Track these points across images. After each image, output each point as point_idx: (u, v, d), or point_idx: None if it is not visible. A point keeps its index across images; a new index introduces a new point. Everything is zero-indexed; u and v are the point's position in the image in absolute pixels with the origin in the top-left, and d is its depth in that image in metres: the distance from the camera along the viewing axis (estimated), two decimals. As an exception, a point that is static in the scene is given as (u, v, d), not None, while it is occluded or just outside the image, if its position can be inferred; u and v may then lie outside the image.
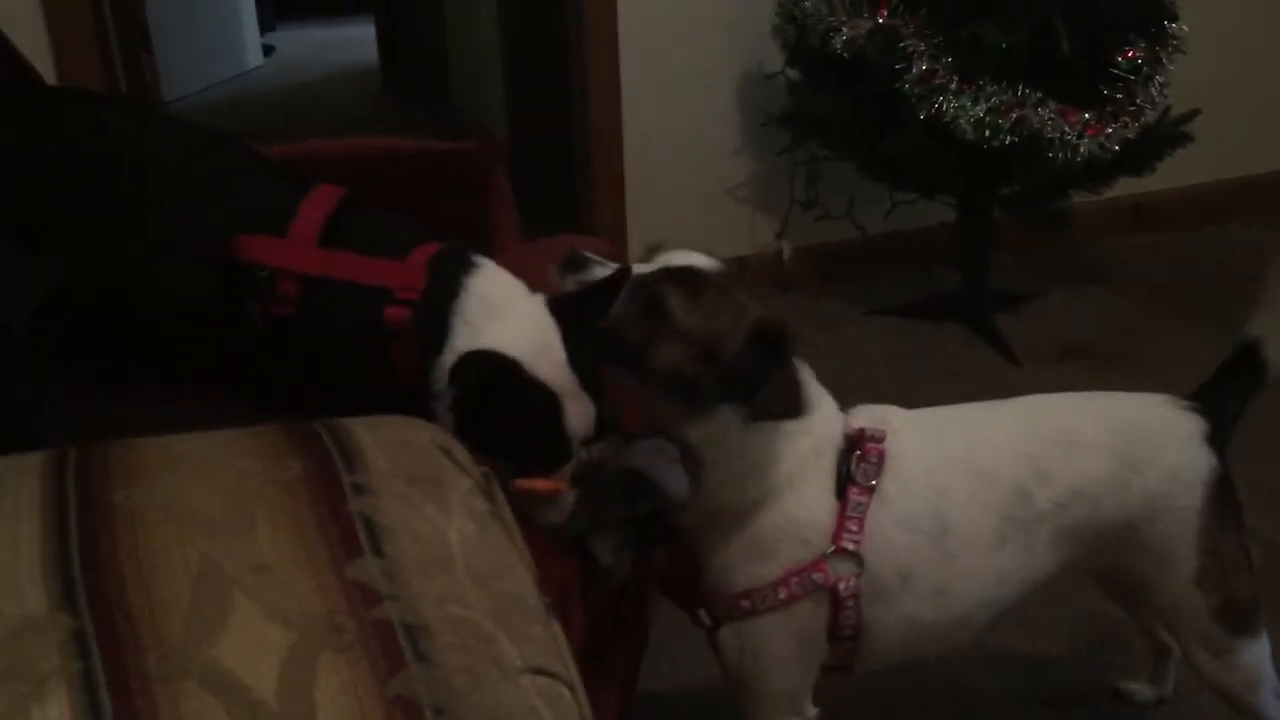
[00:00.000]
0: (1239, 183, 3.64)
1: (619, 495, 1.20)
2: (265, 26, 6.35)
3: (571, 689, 0.78)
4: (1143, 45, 2.55)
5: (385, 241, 1.23)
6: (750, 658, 1.29)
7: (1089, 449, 1.32)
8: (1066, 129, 2.47)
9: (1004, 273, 3.12)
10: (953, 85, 2.47)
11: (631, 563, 1.25)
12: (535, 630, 0.79)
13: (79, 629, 0.69)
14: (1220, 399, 1.37)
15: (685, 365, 1.16)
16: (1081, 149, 2.49)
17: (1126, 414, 1.38)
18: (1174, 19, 2.58)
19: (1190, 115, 2.77)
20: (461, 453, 0.91)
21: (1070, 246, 3.42)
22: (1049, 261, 3.34)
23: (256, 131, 1.44)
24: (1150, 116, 2.61)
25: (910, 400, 1.37)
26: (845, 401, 1.33)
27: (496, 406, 1.15)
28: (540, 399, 1.16)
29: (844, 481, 1.25)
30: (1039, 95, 2.47)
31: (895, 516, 1.25)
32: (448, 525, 0.80)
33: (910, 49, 2.49)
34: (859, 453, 1.25)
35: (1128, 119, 2.53)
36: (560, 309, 1.21)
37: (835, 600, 1.25)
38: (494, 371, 1.15)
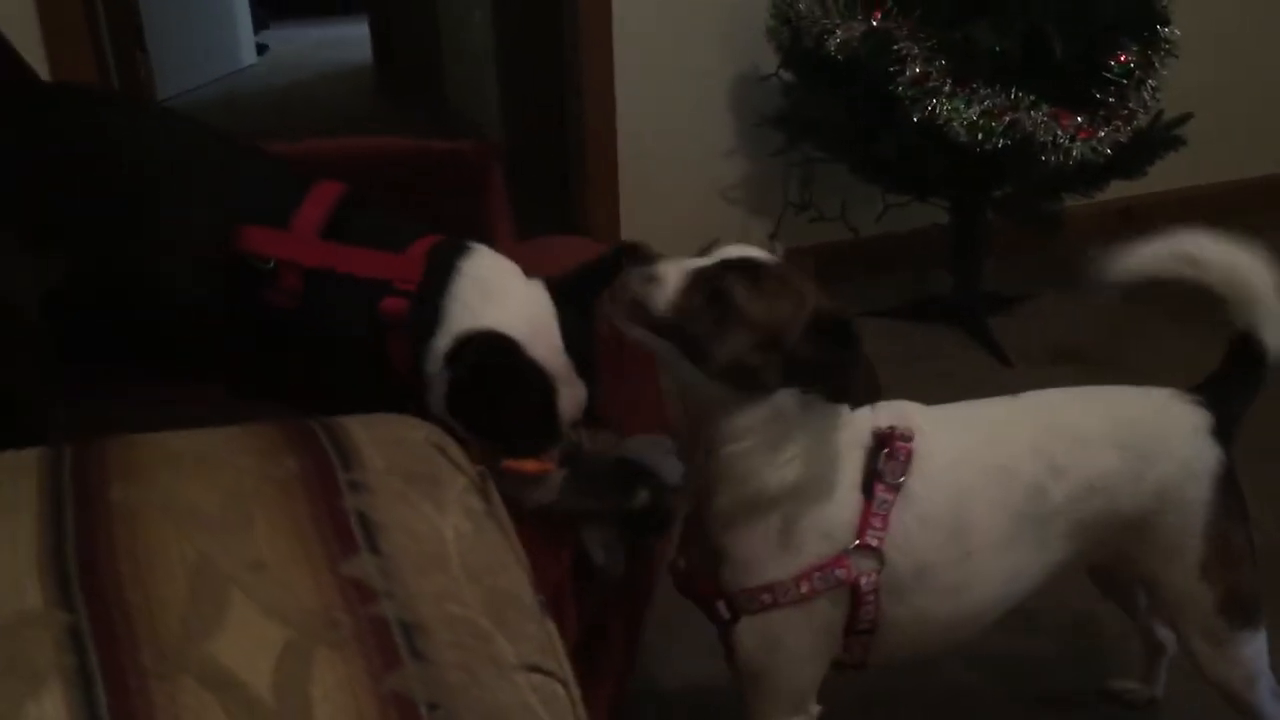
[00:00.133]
0: (1230, 186, 3.66)
1: (614, 483, 1.20)
2: (259, 25, 6.34)
3: (566, 686, 0.79)
4: (1135, 49, 2.56)
5: (386, 236, 1.23)
6: (766, 652, 1.29)
7: (1101, 444, 1.34)
8: (1059, 132, 2.48)
9: (996, 275, 3.13)
10: (946, 88, 2.48)
11: (625, 560, 1.26)
12: (530, 628, 0.79)
13: (75, 625, 0.69)
14: (1225, 392, 1.39)
15: (750, 355, 1.17)
16: (1074, 152, 2.50)
17: (1135, 408, 1.40)
18: (1166, 23, 2.59)
19: (1182, 119, 2.78)
20: (457, 451, 0.91)
21: (1062, 249, 3.43)
22: (1041, 264, 3.35)
23: (250, 130, 1.44)
24: (1142, 120, 2.62)
25: (903, 402, 1.38)
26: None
27: (492, 386, 1.15)
28: (536, 381, 1.17)
29: (871, 478, 1.26)
30: (1032, 98, 2.48)
31: (917, 514, 1.26)
32: (444, 523, 0.81)
33: (904, 52, 2.50)
34: (887, 450, 1.26)
35: (1120, 122, 2.54)
36: (557, 292, 1.22)
37: (856, 596, 1.26)
38: (494, 351, 1.15)
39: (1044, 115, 2.47)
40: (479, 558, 0.81)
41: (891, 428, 1.28)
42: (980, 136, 2.47)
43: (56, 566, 0.72)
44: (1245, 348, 1.37)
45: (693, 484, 1.30)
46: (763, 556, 1.26)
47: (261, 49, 6.23)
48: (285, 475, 0.80)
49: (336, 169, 1.35)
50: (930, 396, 1.43)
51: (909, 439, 1.27)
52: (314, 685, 0.69)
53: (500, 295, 1.20)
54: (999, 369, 2.82)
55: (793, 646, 1.29)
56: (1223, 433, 1.36)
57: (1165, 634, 1.69)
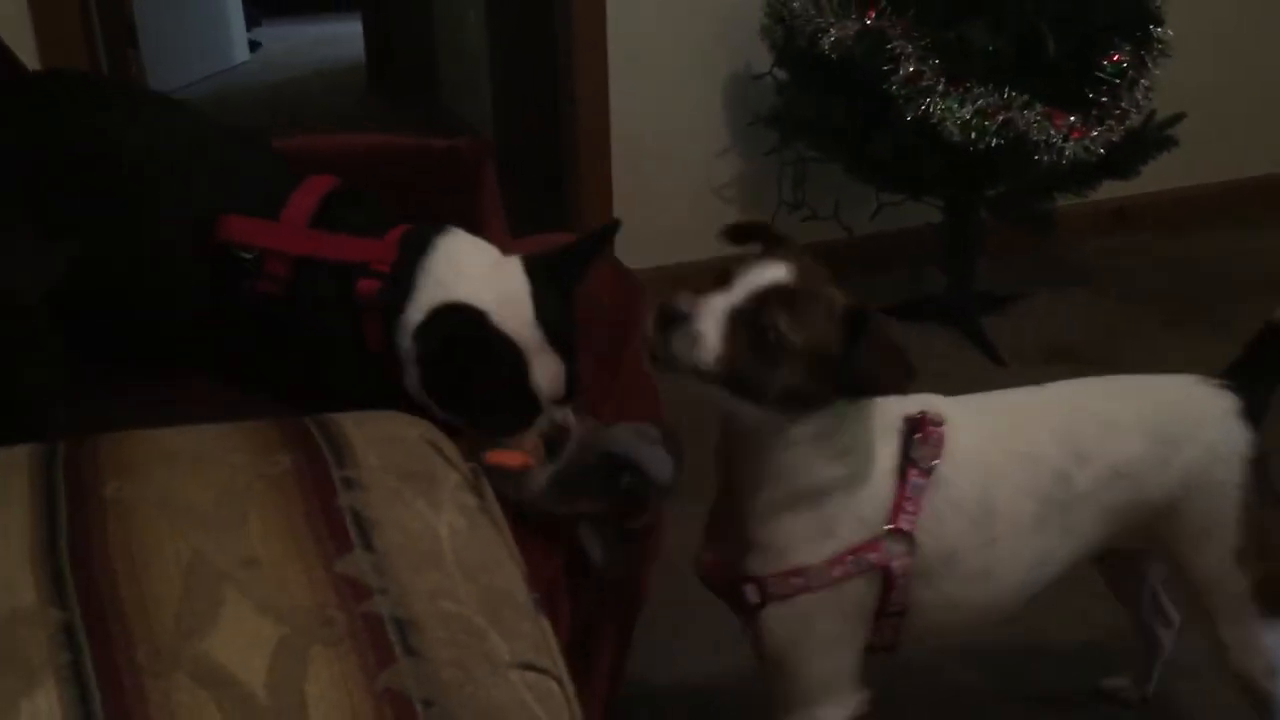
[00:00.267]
0: (1222, 186, 3.66)
1: (599, 479, 1.19)
2: (251, 22, 6.33)
3: (560, 683, 0.79)
4: (1128, 49, 2.56)
5: (370, 225, 1.23)
6: (796, 637, 1.29)
7: (1126, 429, 1.34)
8: (1052, 131, 2.48)
9: (990, 274, 3.14)
10: (940, 87, 2.48)
11: (623, 559, 1.25)
12: (524, 625, 0.79)
13: (68, 622, 0.69)
14: (1252, 376, 1.39)
15: (805, 383, 1.16)
16: (1067, 152, 2.50)
17: (1161, 394, 1.40)
18: (1159, 23, 2.60)
19: (1175, 119, 2.78)
20: (450, 448, 0.91)
21: (1055, 249, 3.44)
22: (1034, 263, 3.36)
23: (242, 127, 1.44)
24: (1135, 120, 2.63)
25: (897, 400, 1.38)
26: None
27: (461, 359, 1.15)
28: (505, 353, 1.16)
29: (905, 462, 1.26)
30: (1025, 98, 2.48)
31: (948, 498, 1.27)
32: (438, 520, 0.81)
33: (898, 50, 2.50)
34: (920, 435, 1.26)
35: (1113, 122, 2.54)
36: (533, 268, 1.21)
37: (888, 579, 1.26)
38: (460, 323, 1.14)
39: (1037, 115, 2.47)
40: (473, 555, 0.81)
41: (922, 412, 1.28)
42: (974, 136, 2.47)
43: (50, 563, 0.71)
44: (1276, 335, 1.39)
45: (725, 481, 1.30)
46: (797, 542, 1.26)
47: (254, 46, 6.22)
48: (279, 473, 0.80)
49: (330, 165, 1.35)
50: (924, 395, 1.43)
51: (940, 423, 1.27)
52: (309, 682, 0.69)
53: (471, 270, 1.19)
54: (992, 368, 2.82)
55: (822, 631, 1.28)
56: (1252, 416, 1.36)
57: (1164, 633, 1.69)
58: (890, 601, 1.28)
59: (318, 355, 1.24)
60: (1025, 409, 1.38)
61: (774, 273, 1.18)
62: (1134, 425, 1.34)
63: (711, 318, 1.15)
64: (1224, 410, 1.36)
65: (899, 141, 2.60)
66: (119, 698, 0.66)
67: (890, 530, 1.25)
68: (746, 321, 1.15)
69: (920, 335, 2.95)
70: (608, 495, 1.20)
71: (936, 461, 1.26)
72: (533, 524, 1.15)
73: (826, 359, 1.15)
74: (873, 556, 1.24)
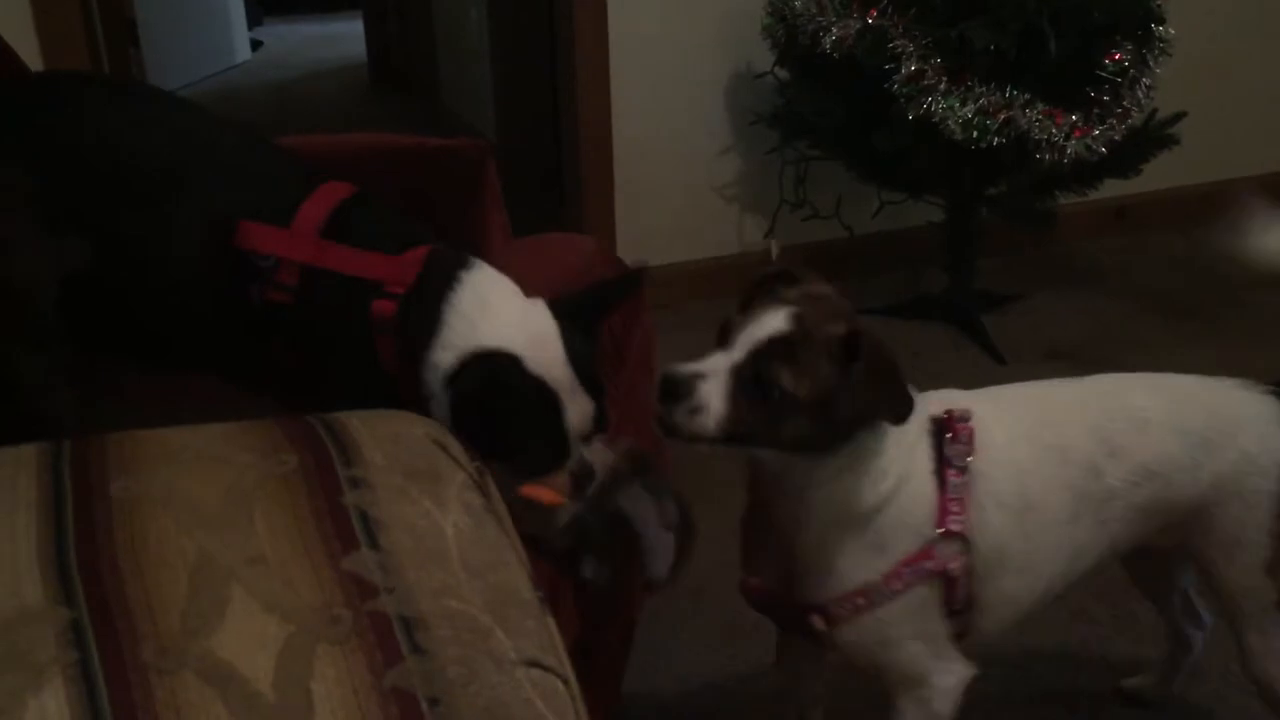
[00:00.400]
0: (1223, 185, 3.66)
1: (607, 536, 1.20)
2: (253, 21, 6.33)
3: (565, 682, 0.79)
4: (1129, 48, 2.56)
5: (385, 239, 1.23)
6: (876, 644, 1.29)
7: (1160, 428, 1.33)
8: (1054, 130, 2.48)
9: (990, 273, 3.14)
10: (941, 86, 2.48)
11: (611, 578, 1.26)
12: (530, 624, 0.79)
13: (76, 620, 0.69)
14: None
15: (814, 428, 1.16)
16: (1068, 150, 2.50)
17: (1199, 395, 1.38)
18: (1161, 22, 2.60)
19: (1176, 118, 2.79)
20: (456, 447, 0.91)
21: (1056, 248, 3.44)
22: (1035, 263, 3.36)
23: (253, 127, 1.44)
24: (1137, 119, 2.63)
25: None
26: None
27: (497, 405, 1.14)
28: (541, 396, 1.16)
29: (940, 464, 1.25)
30: (1027, 97, 2.48)
31: (988, 491, 1.26)
32: (443, 519, 0.81)
33: (899, 49, 2.50)
34: (950, 434, 1.26)
35: (1114, 121, 2.55)
36: (559, 309, 1.21)
37: (948, 581, 1.25)
38: (496, 370, 1.14)
39: (1039, 113, 2.47)
40: (479, 554, 0.81)
41: (949, 411, 1.27)
42: (975, 134, 2.47)
43: (57, 562, 0.72)
44: None
45: (760, 509, 1.30)
46: (852, 563, 1.25)
47: (255, 45, 6.22)
48: (286, 471, 0.81)
49: (332, 164, 1.35)
50: (925, 394, 1.43)
51: (967, 419, 1.27)
52: (315, 680, 0.69)
53: (499, 310, 1.19)
54: (993, 367, 2.82)
55: (899, 633, 1.28)
56: None
57: (1195, 634, 1.68)
58: (954, 599, 1.27)
59: (325, 364, 1.24)
60: (1054, 400, 1.37)
61: (773, 323, 1.16)
62: (1168, 424, 1.33)
63: (713, 381, 1.15)
64: (1265, 417, 1.34)
65: (900, 140, 2.60)
66: (126, 695, 0.66)
67: (941, 534, 1.24)
68: (748, 379, 1.14)
69: (921, 334, 2.96)
70: (608, 547, 1.21)
71: (970, 458, 1.25)
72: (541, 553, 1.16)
73: (832, 402, 1.14)
74: (929, 564, 1.24)
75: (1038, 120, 2.47)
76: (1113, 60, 2.55)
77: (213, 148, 1.28)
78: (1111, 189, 2.92)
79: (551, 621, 0.83)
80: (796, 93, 2.82)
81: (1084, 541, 1.33)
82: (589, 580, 1.22)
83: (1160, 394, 1.38)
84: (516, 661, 0.75)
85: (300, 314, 1.20)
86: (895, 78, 2.50)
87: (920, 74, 2.48)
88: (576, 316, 1.23)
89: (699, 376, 1.15)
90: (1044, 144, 2.49)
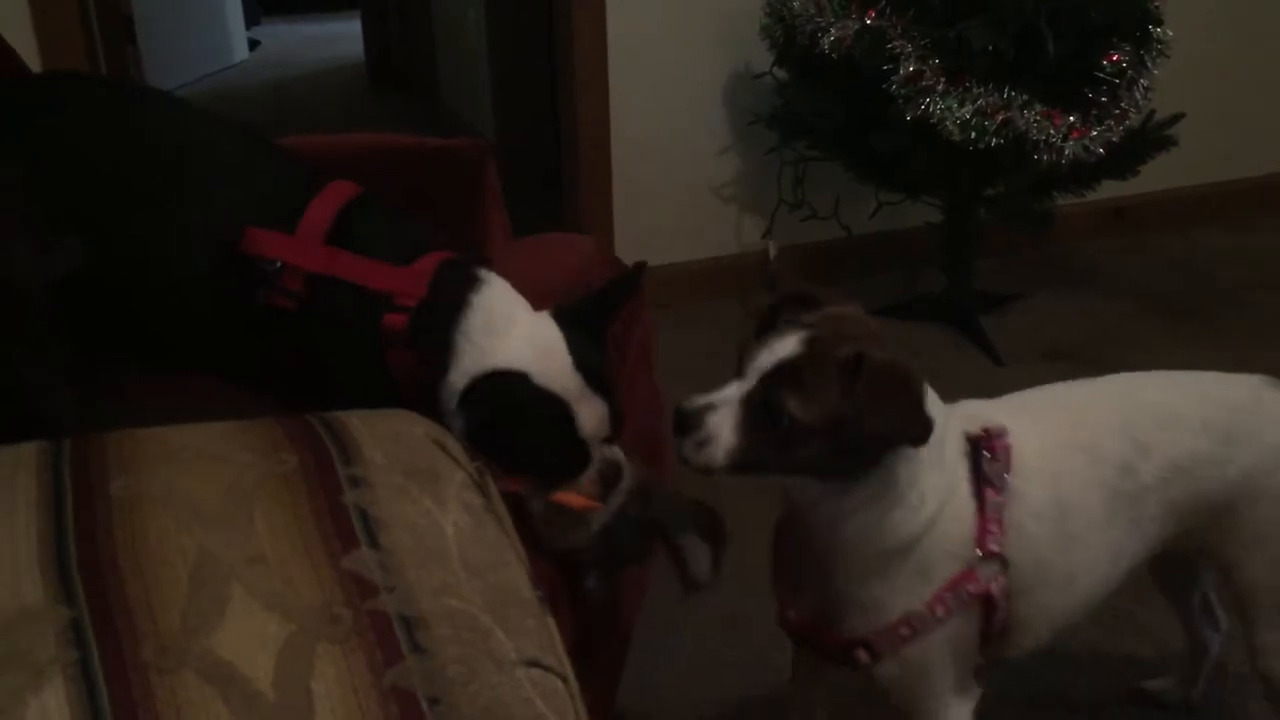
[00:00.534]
0: (1221, 187, 3.67)
1: (640, 542, 1.20)
2: (250, 20, 6.33)
3: (565, 681, 0.79)
4: (1127, 49, 2.56)
5: (391, 244, 1.23)
6: (916, 679, 1.27)
7: (1187, 424, 1.33)
8: (1052, 131, 2.48)
9: (988, 274, 3.14)
10: (939, 86, 2.48)
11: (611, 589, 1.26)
12: (529, 623, 0.79)
13: (76, 619, 0.69)
14: None
15: (826, 455, 1.14)
16: (1066, 151, 2.50)
17: (1225, 392, 1.38)
18: (1158, 23, 2.60)
19: (1174, 119, 2.79)
20: (455, 446, 0.91)
21: (1054, 249, 3.44)
22: (1033, 263, 3.37)
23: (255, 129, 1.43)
24: (1134, 120, 2.63)
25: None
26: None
27: (511, 423, 1.16)
28: (551, 408, 1.17)
29: (979, 484, 1.23)
30: (1025, 98, 2.48)
31: (1027, 509, 1.25)
32: (443, 518, 0.81)
33: (897, 50, 2.51)
34: (988, 453, 1.24)
35: (1112, 122, 2.55)
36: (564, 317, 1.22)
37: (988, 604, 1.24)
38: (503, 392, 1.16)
39: (1037, 114, 2.48)
40: (479, 553, 0.81)
41: (985, 429, 1.25)
42: (973, 135, 2.48)
43: (57, 561, 0.72)
44: None
45: (793, 538, 1.28)
46: (895, 593, 1.23)
47: (253, 45, 6.22)
48: (286, 470, 0.81)
49: (332, 164, 1.35)
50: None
51: (1004, 435, 1.25)
52: (315, 679, 0.69)
53: (507, 328, 1.20)
54: (991, 368, 2.82)
55: (937, 663, 1.26)
56: None
57: (1212, 637, 1.68)
58: (993, 624, 1.26)
59: (328, 368, 1.24)
60: (1081, 402, 1.36)
61: (783, 349, 1.14)
62: (1196, 420, 1.33)
63: (724, 411, 1.14)
64: None
65: (899, 141, 2.61)
66: (126, 694, 0.66)
67: (981, 556, 1.22)
68: (758, 407, 1.13)
69: (919, 335, 2.96)
70: (639, 558, 1.21)
71: (1008, 475, 1.23)
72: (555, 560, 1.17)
73: (842, 426, 1.11)
74: (971, 587, 1.22)
75: (1036, 121, 2.48)
76: (1111, 61, 2.56)
77: (214, 148, 1.28)
78: (1109, 190, 2.93)
79: (551, 621, 0.83)
80: (795, 93, 2.82)
81: (1121, 543, 1.32)
82: (590, 591, 1.22)
83: (1180, 390, 1.38)
84: (516, 661, 0.76)
85: (305, 320, 1.21)
86: (893, 78, 2.50)
87: (918, 75, 2.49)
88: (582, 323, 1.23)
89: (709, 408, 1.14)
90: (1042, 145, 2.49)
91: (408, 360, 1.20)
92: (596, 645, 1.37)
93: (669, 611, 1.85)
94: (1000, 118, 2.47)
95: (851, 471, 1.17)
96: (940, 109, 2.48)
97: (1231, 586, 1.44)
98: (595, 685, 1.35)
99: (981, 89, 2.48)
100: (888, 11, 2.55)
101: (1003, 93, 2.48)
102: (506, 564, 0.82)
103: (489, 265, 1.26)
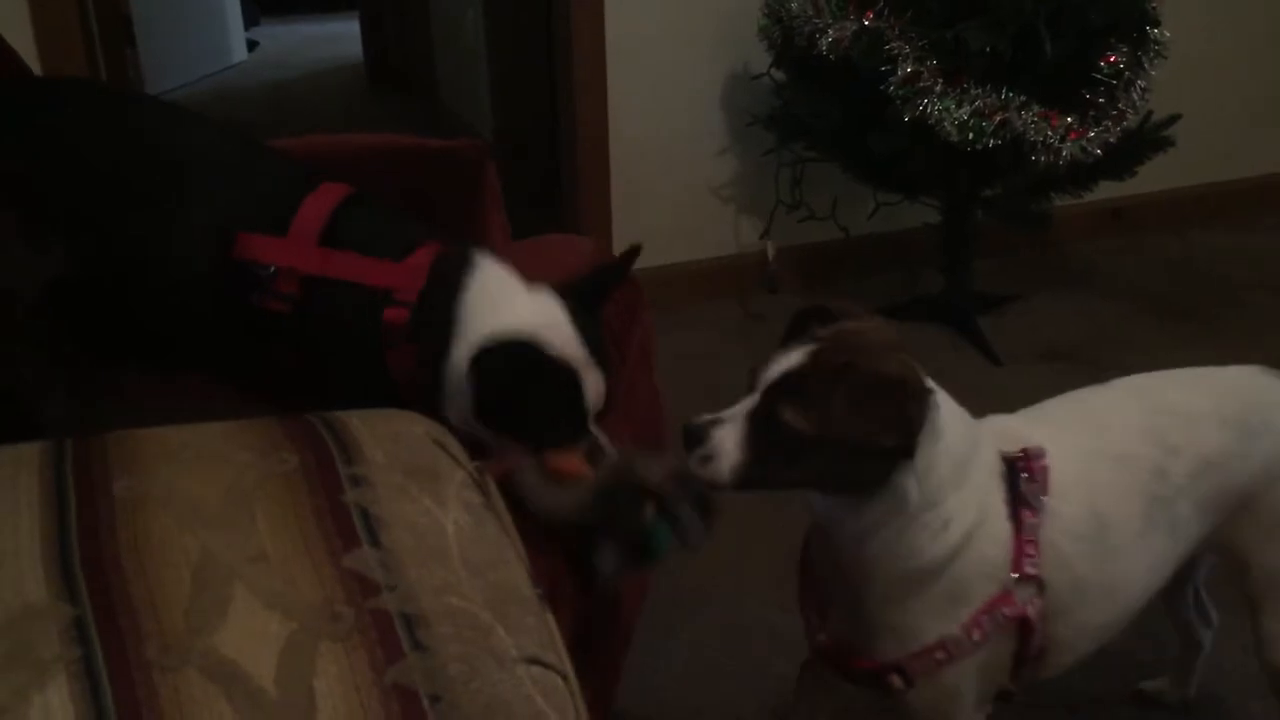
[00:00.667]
0: (1219, 187, 3.68)
1: (634, 513, 1.19)
2: (249, 21, 6.33)
3: (565, 679, 0.79)
4: (1125, 50, 2.57)
5: (386, 242, 1.24)
6: (945, 704, 1.26)
7: (1206, 420, 1.33)
8: (1049, 132, 2.49)
9: (986, 275, 3.15)
10: (937, 88, 2.49)
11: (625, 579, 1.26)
12: (530, 621, 0.80)
13: (79, 617, 0.69)
14: None
15: (831, 466, 1.13)
16: (1064, 152, 2.51)
17: (1229, 384, 1.39)
18: (1156, 24, 2.61)
19: (1171, 120, 2.80)
20: (455, 446, 0.92)
21: (1052, 250, 3.45)
22: (1031, 264, 3.37)
23: (240, 127, 1.44)
24: (1132, 121, 2.64)
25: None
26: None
27: (521, 384, 1.17)
28: (562, 374, 1.19)
29: (1016, 505, 1.21)
30: (1022, 99, 2.49)
31: (1062, 529, 1.24)
32: (444, 517, 0.81)
33: (895, 51, 2.51)
34: (1026, 473, 1.22)
35: (1110, 123, 2.55)
36: (564, 293, 1.24)
37: (1025, 626, 1.23)
38: (520, 353, 1.17)
39: (1034, 115, 2.48)
40: (479, 551, 0.81)
41: (1024, 450, 1.23)
42: (971, 136, 2.48)
43: (60, 559, 0.72)
44: None
45: (832, 560, 1.26)
46: (929, 617, 1.21)
47: (252, 45, 6.22)
48: (287, 470, 0.81)
49: (331, 165, 1.35)
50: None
51: (1042, 456, 1.23)
52: (317, 678, 0.69)
53: (509, 302, 1.22)
54: (989, 368, 2.83)
55: (968, 688, 1.25)
56: None
57: (1204, 633, 1.68)
58: (1029, 647, 1.25)
59: (327, 368, 1.25)
60: (1100, 410, 1.36)
61: (788, 361, 1.14)
62: (1214, 415, 1.33)
63: (730, 427, 1.14)
64: None
65: (896, 142, 2.61)
66: (130, 692, 0.66)
67: (1018, 579, 1.21)
68: (761, 420, 1.13)
69: (917, 335, 2.97)
70: (630, 527, 1.21)
71: (1045, 496, 1.22)
72: (557, 534, 1.17)
73: (835, 435, 1.10)
74: (1007, 610, 1.21)
75: (1033, 122, 2.48)
76: (1108, 63, 2.56)
77: (208, 150, 1.29)
78: (1107, 190, 2.94)
79: (551, 619, 0.83)
80: (793, 94, 2.83)
81: (1159, 551, 1.32)
82: (600, 570, 1.21)
83: (1195, 387, 1.38)
84: (517, 659, 0.76)
85: (301, 322, 1.21)
86: (891, 79, 2.51)
87: (916, 76, 2.49)
88: (581, 300, 1.25)
89: (715, 423, 1.14)
90: (1039, 146, 2.50)
91: (407, 360, 1.20)
92: (597, 644, 1.37)
93: (668, 617, 1.86)
94: (998, 119, 2.48)
95: (856, 487, 1.16)
96: (938, 110, 2.48)
97: (1247, 577, 1.43)
98: (595, 683, 1.36)
99: (979, 90, 2.49)
100: (886, 13, 2.56)
101: (1000, 94, 2.49)
102: (507, 562, 0.83)
103: (482, 251, 1.27)
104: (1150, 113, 2.75)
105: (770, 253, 3.19)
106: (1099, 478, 1.28)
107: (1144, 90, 2.60)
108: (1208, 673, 1.74)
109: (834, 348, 1.14)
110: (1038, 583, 1.22)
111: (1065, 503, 1.24)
